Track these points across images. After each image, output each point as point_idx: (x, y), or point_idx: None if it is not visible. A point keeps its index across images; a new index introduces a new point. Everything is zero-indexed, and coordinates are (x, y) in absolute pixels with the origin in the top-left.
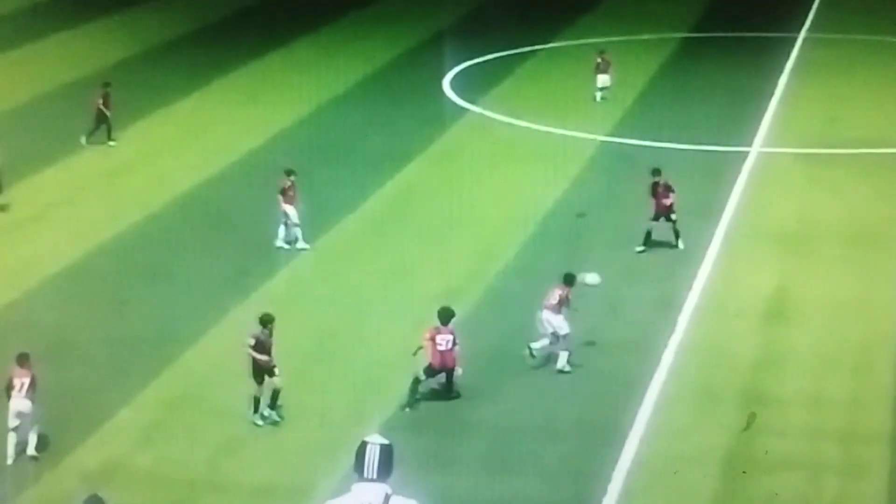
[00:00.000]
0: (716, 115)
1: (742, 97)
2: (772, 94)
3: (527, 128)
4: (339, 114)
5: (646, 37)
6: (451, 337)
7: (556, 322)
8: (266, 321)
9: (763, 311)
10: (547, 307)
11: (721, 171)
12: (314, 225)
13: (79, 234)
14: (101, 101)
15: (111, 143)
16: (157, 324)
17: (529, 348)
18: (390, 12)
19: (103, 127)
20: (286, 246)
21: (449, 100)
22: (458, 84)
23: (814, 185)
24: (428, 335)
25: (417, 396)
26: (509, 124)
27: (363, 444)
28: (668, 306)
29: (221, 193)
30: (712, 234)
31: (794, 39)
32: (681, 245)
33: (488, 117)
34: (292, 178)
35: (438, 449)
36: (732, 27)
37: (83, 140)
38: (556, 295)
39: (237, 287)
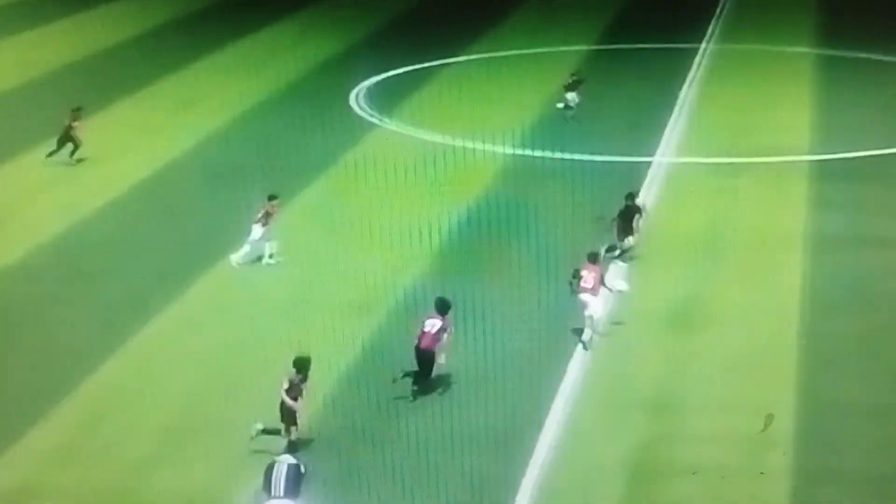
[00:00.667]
0: (621, 125)
1: (646, 108)
2: (675, 104)
3: (435, 142)
4: (247, 129)
5: (552, 49)
6: (439, 324)
7: (594, 304)
8: (299, 365)
9: (671, 318)
10: (585, 291)
11: (626, 182)
12: (221, 242)
13: None
14: (70, 124)
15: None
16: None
17: (583, 343)
18: (300, 27)
19: (68, 146)
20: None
21: (357, 115)
22: (366, 99)
23: (718, 194)
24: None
25: (405, 375)
26: (417, 138)
27: (271, 464)
28: (573, 317)
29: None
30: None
31: (697, 50)
32: (621, 263)
33: (396, 132)
34: (274, 202)
35: (349, 465)
36: (637, 38)
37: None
38: (590, 278)
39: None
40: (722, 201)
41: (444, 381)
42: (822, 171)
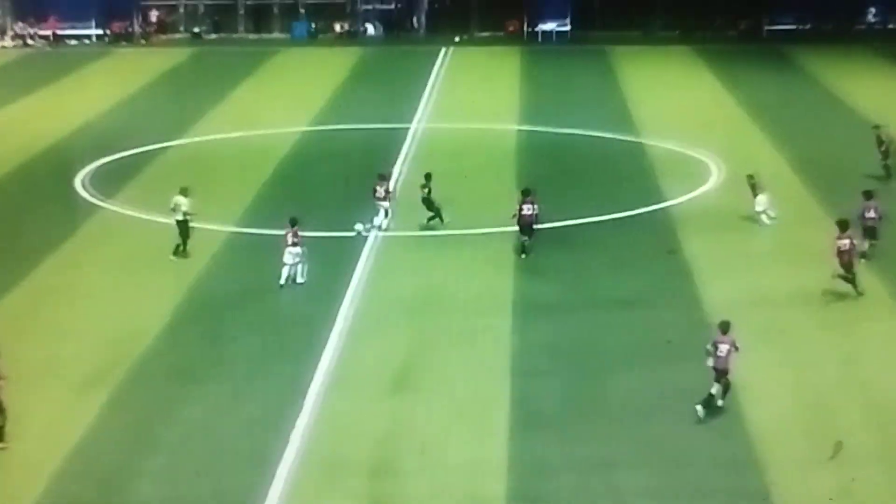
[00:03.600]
0: (336, 201)
1: (358, 185)
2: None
3: (157, 222)
4: None
5: (268, 132)
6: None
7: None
8: None
9: (388, 382)
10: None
11: (344, 252)
12: None
13: None
14: None
15: None
16: None
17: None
18: (24, 112)
19: None
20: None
21: (82, 197)
22: (91, 182)
23: (430, 264)
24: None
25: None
26: (140, 219)
27: None
28: (298, 383)
29: None
30: (338, 311)
31: (407, 130)
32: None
33: (120, 213)
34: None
35: None
36: (349, 119)
37: None
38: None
39: None
40: (434, 269)
41: (173, 446)
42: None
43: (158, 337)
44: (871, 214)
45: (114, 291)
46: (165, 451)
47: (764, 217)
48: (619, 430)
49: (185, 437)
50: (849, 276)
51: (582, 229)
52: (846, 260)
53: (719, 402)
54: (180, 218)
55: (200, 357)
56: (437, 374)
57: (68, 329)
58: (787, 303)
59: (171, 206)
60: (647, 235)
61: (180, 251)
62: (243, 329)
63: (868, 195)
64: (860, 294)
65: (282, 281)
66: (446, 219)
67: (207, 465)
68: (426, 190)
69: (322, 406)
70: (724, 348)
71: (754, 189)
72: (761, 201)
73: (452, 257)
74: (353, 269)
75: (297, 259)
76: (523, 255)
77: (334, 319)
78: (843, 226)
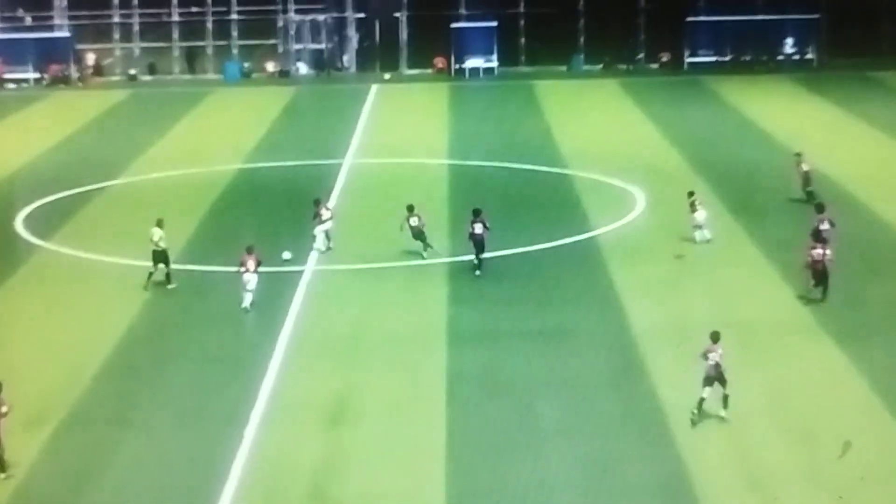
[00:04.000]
0: (271, 236)
1: (292, 220)
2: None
3: (98, 260)
4: None
5: (204, 169)
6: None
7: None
8: None
9: (325, 415)
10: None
11: (279, 290)
12: None
13: None
14: None
15: None
16: None
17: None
18: None
19: None
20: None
21: (21, 238)
22: (30, 222)
23: (364, 297)
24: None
25: None
26: (79, 258)
27: None
28: (236, 417)
29: None
30: (275, 345)
31: (340, 165)
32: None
33: (59, 252)
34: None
35: None
36: (283, 156)
37: None
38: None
39: None
40: (369, 301)
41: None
42: (457, 271)
43: (97, 377)
44: (825, 227)
45: (53, 332)
46: (106, 491)
47: (698, 234)
48: (552, 454)
49: (124, 477)
50: (819, 285)
51: (512, 259)
52: (820, 269)
53: (722, 414)
54: (157, 248)
55: (139, 395)
56: (374, 405)
57: (6, 370)
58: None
59: (151, 237)
60: (576, 265)
61: (168, 280)
62: (182, 366)
63: (820, 209)
64: (823, 300)
65: (246, 305)
66: (432, 246)
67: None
68: (413, 220)
69: (260, 440)
70: (713, 356)
71: (693, 206)
72: (699, 218)
73: (387, 289)
74: (290, 302)
75: (254, 286)
76: (477, 273)
77: (271, 353)
78: (816, 236)
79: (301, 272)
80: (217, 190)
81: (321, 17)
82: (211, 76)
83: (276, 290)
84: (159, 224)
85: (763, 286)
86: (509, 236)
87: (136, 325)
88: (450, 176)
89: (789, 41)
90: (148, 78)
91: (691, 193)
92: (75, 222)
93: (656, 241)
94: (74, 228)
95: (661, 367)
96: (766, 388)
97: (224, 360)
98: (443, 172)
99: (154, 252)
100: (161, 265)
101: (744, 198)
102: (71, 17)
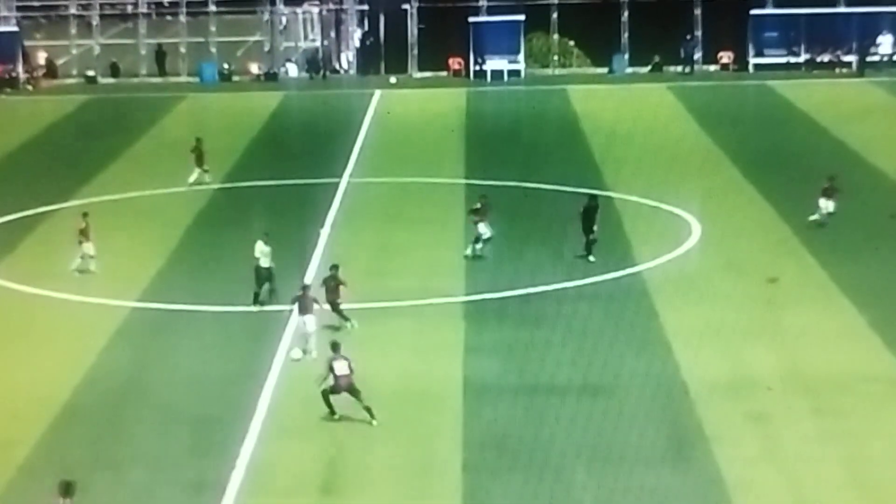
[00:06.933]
0: (251, 272)
1: (278, 250)
2: (315, 246)
3: (47, 296)
4: None
5: (175, 190)
6: None
7: None
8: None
9: (315, 486)
10: None
11: (263, 334)
12: None
13: None
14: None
15: None
16: None
17: None
18: None
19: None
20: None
21: None
22: None
23: (365, 342)
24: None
25: None
26: (27, 293)
27: None
28: (209, 489)
29: None
30: (256, 403)
31: (337, 185)
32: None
33: (3, 287)
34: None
35: None
36: (268, 174)
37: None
38: None
39: None
40: (368, 350)
41: None
42: (476, 312)
43: (45, 434)
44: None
45: None
46: None
47: (818, 216)
48: None
49: None
50: None
51: (541, 298)
52: None
53: None
54: (261, 267)
55: (93, 459)
56: (375, 475)
57: None
58: (777, 386)
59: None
60: (618, 306)
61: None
62: (145, 424)
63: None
64: None
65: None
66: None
67: None
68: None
69: None
70: None
71: (827, 192)
72: (828, 206)
73: (392, 333)
74: (273, 353)
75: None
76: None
77: (252, 413)
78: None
79: (291, 311)
80: (190, 215)
81: (315, 10)
82: (184, 79)
83: (258, 335)
84: (265, 238)
85: (845, 333)
86: (538, 270)
87: (94, 371)
88: (468, 199)
89: (888, 39)
90: (110, 80)
91: (832, 178)
92: (21, 252)
93: (714, 277)
94: (20, 259)
95: (722, 434)
96: (847, 459)
97: (196, 418)
98: (460, 193)
99: (256, 269)
100: (267, 285)
101: (829, 233)
102: (19, 9)
